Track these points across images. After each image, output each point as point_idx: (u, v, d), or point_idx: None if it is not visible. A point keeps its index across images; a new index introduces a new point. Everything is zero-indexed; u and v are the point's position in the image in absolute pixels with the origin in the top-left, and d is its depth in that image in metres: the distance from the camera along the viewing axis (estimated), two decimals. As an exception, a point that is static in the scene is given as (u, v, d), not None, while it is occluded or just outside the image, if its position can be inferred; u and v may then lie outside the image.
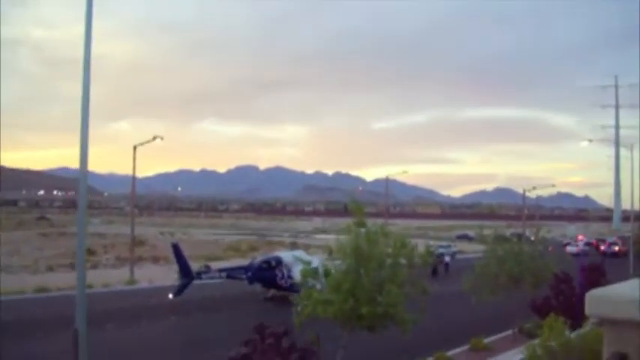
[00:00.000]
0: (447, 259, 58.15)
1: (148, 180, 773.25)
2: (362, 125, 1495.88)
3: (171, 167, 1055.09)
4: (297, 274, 24.17)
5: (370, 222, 16.60)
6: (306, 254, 36.52)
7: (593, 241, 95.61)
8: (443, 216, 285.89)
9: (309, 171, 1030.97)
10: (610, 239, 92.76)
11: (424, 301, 16.34)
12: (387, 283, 15.29)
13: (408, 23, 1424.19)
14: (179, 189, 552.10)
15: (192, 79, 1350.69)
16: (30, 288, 37.52)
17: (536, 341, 13.16)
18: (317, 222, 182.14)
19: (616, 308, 3.85)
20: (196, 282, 35.29)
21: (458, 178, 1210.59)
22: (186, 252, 38.09)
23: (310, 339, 15.05)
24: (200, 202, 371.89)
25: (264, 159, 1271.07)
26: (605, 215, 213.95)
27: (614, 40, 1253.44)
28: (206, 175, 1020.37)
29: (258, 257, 44.04)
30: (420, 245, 18.56)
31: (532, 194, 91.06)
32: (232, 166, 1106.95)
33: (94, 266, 50.88)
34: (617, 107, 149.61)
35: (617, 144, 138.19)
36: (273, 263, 37.29)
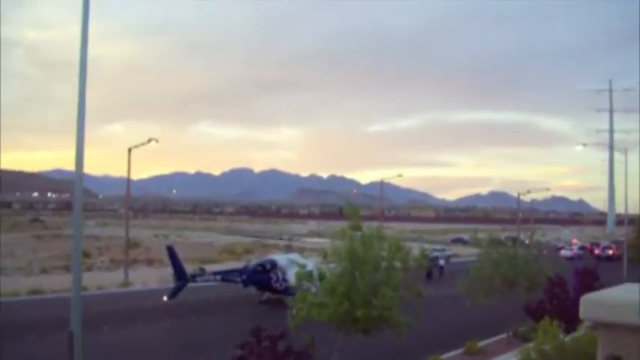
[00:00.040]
0: (442, 262, 58.25)
1: (142, 182, 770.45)
2: (357, 128, 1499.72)
3: (166, 170, 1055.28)
4: (291, 277, 24.18)
5: (365, 225, 16.65)
6: (301, 257, 36.60)
7: (587, 244, 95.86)
8: (437, 219, 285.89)
9: (304, 174, 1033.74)
10: (604, 243, 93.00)
11: (419, 305, 16.37)
12: (382, 286, 15.32)
13: (403, 26, 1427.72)
14: (174, 191, 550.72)
15: (188, 81, 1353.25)
16: (24, 290, 37.42)
17: (531, 345, 13.21)
18: (312, 225, 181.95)
19: (611, 312, 3.89)
20: (191, 285, 35.24)
21: (452, 182, 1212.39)
22: (180, 254, 38.04)
23: (305, 342, 15.07)
24: (195, 205, 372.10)
25: (259, 162, 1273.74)
26: (599, 219, 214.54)
27: (609, 43, 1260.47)
28: (201, 178, 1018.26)
29: (253, 260, 44.02)
30: (415, 249, 18.57)
31: (527, 198, 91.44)
32: (227, 168, 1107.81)
33: (89, 269, 50.68)
34: (611, 111, 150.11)
35: (611, 148, 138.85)
36: (268, 266, 37.25)
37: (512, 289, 25.80)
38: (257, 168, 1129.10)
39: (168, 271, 37.13)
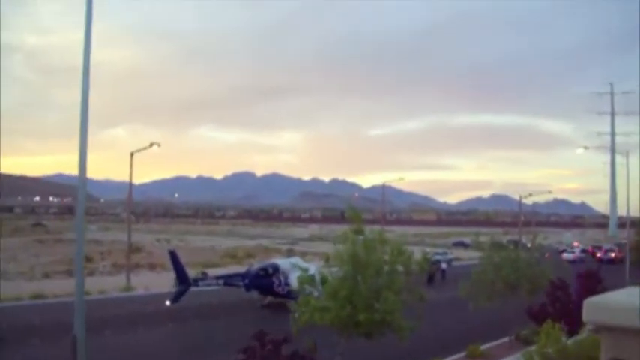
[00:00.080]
0: (444, 265, 58.13)
1: (144, 187, 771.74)
2: (358, 132, 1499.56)
3: (168, 174, 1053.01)
4: (294, 281, 24.20)
5: (367, 229, 16.67)
6: (303, 261, 36.57)
7: (589, 247, 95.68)
8: (439, 223, 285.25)
9: (306, 178, 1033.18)
10: (606, 246, 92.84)
11: (421, 308, 16.38)
12: (385, 290, 15.33)
13: (404, 30, 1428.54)
14: (176, 195, 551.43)
15: (190, 86, 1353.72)
16: (26, 294, 37.39)
17: (533, 348, 13.22)
18: (314, 229, 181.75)
19: (614, 315, 3.90)
20: (193, 289, 35.21)
21: (454, 185, 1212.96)
22: (182, 259, 38.02)
23: (308, 346, 15.08)
24: (197, 209, 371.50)
25: (261, 165, 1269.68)
26: (601, 222, 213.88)
27: (610, 46, 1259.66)
28: (203, 182, 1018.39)
29: (255, 264, 43.99)
30: (417, 252, 18.59)
31: (528, 201, 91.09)
32: (229, 172, 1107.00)
33: (91, 273, 50.66)
34: (612, 114, 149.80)
35: (612, 151, 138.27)
36: (270, 270, 37.20)
37: (514, 292, 25.79)
38: (259, 172, 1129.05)
39: (171, 275, 37.11)
